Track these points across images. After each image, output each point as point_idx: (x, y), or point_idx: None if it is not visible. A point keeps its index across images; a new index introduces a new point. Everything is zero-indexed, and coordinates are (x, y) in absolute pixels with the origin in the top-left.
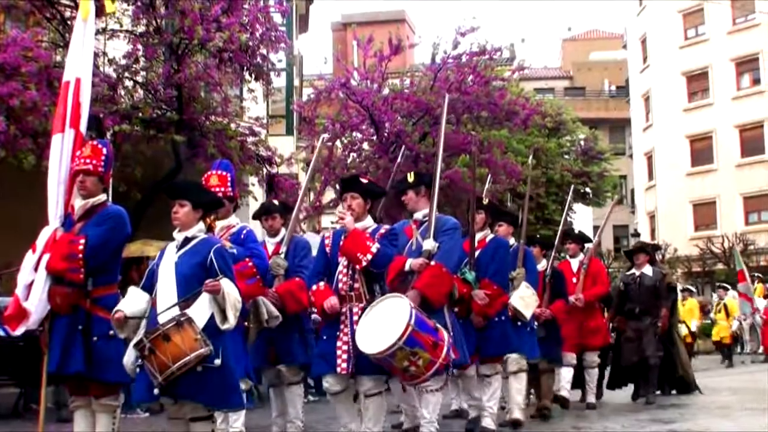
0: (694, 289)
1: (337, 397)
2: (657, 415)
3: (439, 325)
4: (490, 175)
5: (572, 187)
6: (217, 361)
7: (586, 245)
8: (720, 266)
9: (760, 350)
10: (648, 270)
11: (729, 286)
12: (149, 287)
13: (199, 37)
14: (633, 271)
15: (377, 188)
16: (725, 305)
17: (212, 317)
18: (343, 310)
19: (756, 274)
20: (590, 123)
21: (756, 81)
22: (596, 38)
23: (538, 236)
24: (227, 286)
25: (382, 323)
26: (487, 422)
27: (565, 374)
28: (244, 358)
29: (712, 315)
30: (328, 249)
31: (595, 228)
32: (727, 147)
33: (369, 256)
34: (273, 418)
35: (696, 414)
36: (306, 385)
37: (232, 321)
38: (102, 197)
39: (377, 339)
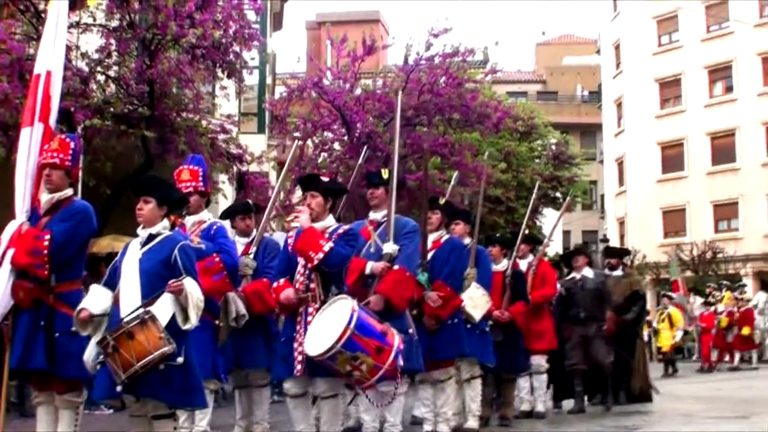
0: None
1: (296, 400)
2: (620, 421)
3: (393, 330)
4: (456, 173)
5: (537, 185)
6: (180, 360)
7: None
8: (689, 273)
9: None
10: (589, 273)
11: (674, 295)
12: (112, 284)
13: (173, 32)
14: (574, 275)
15: (338, 186)
16: (669, 314)
17: (175, 315)
18: (299, 310)
19: (724, 282)
20: (562, 127)
21: (728, 89)
22: (570, 43)
23: (497, 235)
24: (190, 285)
25: (327, 326)
26: (442, 428)
27: (523, 384)
28: (213, 357)
29: (655, 324)
30: (290, 248)
31: (565, 232)
32: (698, 154)
33: (321, 255)
34: (237, 420)
35: (660, 420)
36: (272, 386)
37: (194, 321)
38: (68, 192)
39: (319, 341)
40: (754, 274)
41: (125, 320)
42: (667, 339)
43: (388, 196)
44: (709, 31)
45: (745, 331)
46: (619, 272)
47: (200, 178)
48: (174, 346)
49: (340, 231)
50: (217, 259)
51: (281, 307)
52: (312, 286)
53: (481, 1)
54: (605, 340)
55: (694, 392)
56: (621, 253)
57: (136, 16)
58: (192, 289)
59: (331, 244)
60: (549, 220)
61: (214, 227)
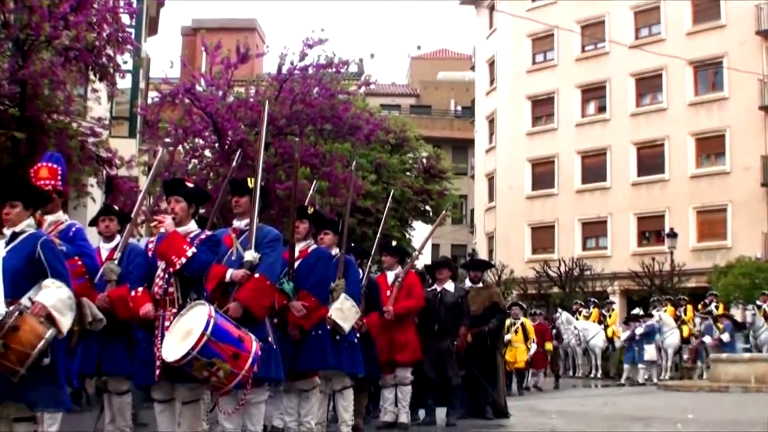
0: None
1: (162, 405)
2: None
3: (251, 336)
4: (315, 182)
5: (392, 192)
6: (46, 360)
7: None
8: (556, 289)
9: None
10: (450, 286)
11: (524, 306)
12: None
13: (46, 34)
14: (435, 287)
15: (202, 192)
16: (523, 325)
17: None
18: (158, 314)
19: (592, 299)
20: (434, 141)
21: (601, 109)
22: (445, 58)
23: (352, 245)
24: (60, 291)
25: (183, 331)
26: None
27: (387, 395)
28: (68, 362)
29: (508, 336)
30: (150, 253)
31: (434, 246)
32: (568, 172)
33: (183, 260)
34: (105, 424)
35: None
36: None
37: (69, 323)
38: None
39: (175, 347)
40: (621, 291)
41: (4, 318)
42: (521, 353)
43: (252, 204)
44: (584, 50)
45: (548, 346)
46: (479, 285)
47: (59, 177)
48: (52, 328)
49: (202, 236)
50: (80, 262)
51: (138, 319)
52: (170, 290)
53: (358, 13)
54: (457, 355)
55: (561, 407)
56: (484, 266)
57: (10, 15)
58: (62, 293)
59: (194, 249)
60: (418, 232)
61: (73, 229)
